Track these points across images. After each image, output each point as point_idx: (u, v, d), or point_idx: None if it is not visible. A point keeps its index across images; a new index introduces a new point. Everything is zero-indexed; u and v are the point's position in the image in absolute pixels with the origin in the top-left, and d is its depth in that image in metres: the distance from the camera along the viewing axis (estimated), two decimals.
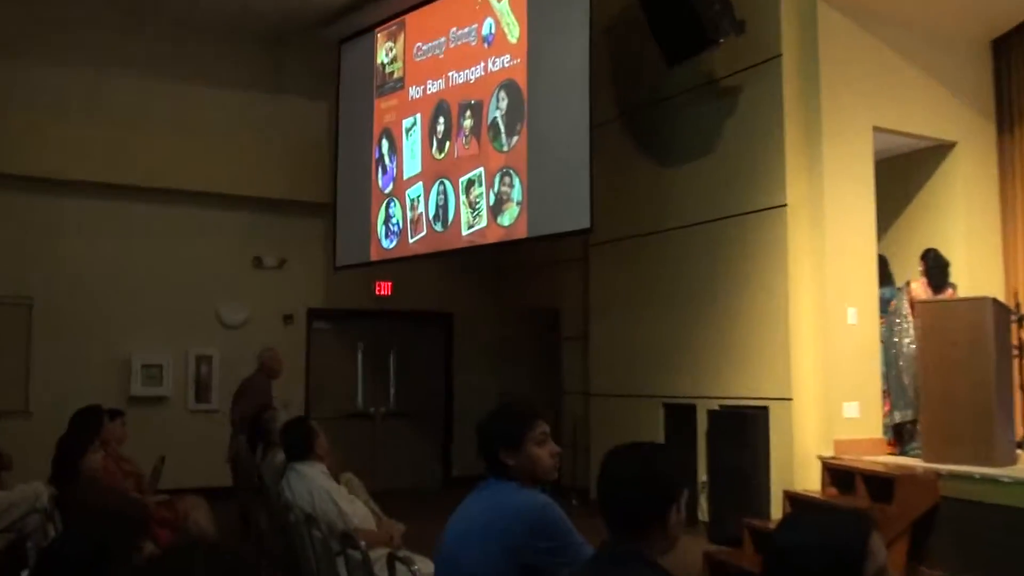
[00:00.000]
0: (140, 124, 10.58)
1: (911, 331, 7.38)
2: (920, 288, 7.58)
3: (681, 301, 8.66)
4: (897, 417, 7.46)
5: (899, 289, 7.77)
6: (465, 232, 9.17)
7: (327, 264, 11.35)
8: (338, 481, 5.47)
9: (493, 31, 9.05)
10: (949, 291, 7.62)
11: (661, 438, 8.63)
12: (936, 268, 7.63)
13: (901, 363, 7.45)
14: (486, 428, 3.00)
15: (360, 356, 12.02)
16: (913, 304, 7.45)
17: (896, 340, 7.54)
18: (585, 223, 8.04)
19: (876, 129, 7.93)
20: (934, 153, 8.64)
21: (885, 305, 7.77)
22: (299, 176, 11.23)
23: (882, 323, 7.74)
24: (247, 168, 10.96)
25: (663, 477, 2.35)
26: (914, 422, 7.35)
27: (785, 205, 7.66)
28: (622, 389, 9.34)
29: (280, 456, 5.70)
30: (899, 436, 7.54)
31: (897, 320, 7.55)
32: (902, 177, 8.73)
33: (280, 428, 5.74)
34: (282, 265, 11.38)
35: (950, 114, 8.43)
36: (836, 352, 7.52)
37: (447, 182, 9.43)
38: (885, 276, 8.06)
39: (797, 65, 7.76)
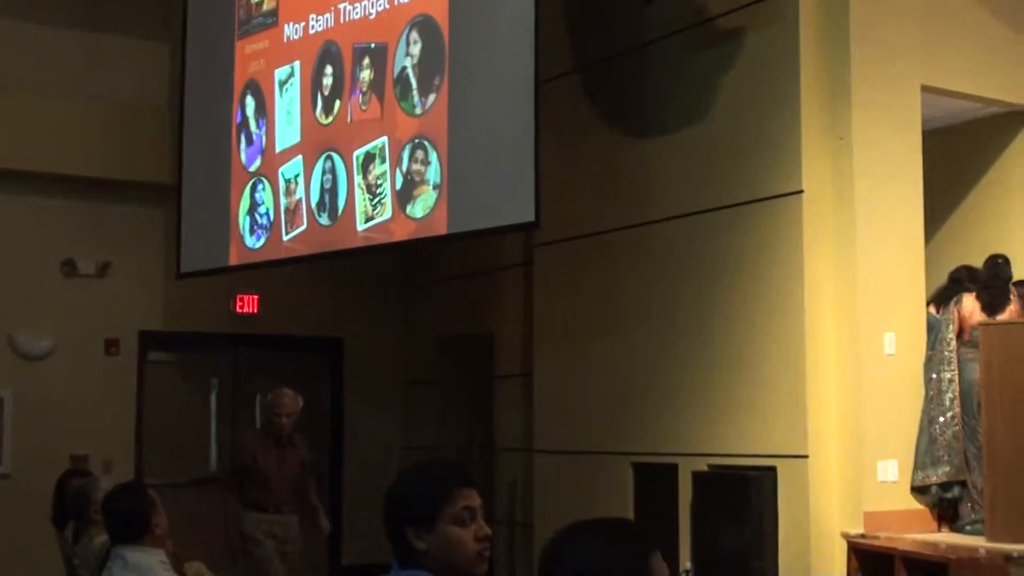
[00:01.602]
0: None
1: (954, 362, 7.55)
2: (973, 305, 7.72)
3: (658, 324, 8.69)
4: (918, 478, 7.62)
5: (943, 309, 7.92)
6: (362, 227, 9.17)
7: (167, 270, 11.28)
8: (183, 574, 5.43)
9: None
10: (1011, 309, 7.74)
11: (630, 511, 8.65)
12: (996, 280, 7.77)
13: (933, 406, 7.61)
14: (389, 500, 3.01)
15: (214, 399, 11.97)
16: (963, 326, 7.60)
17: (934, 375, 7.69)
18: (528, 215, 8.06)
19: (926, 89, 8.01)
20: (1005, 122, 8.79)
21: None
22: (129, 147, 11.15)
23: None
24: (55, 136, 10.85)
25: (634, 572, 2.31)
26: (959, 485, 7.50)
27: (801, 192, 7.72)
28: (577, 444, 9.35)
29: (101, 538, 5.67)
30: (951, 506, 7.65)
31: (936, 348, 7.69)
32: (961, 155, 8.87)
33: (102, 499, 5.63)
34: (104, 272, 11.28)
35: None
36: (869, 393, 7.59)
37: (337, 157, 9.44)
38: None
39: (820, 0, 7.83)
